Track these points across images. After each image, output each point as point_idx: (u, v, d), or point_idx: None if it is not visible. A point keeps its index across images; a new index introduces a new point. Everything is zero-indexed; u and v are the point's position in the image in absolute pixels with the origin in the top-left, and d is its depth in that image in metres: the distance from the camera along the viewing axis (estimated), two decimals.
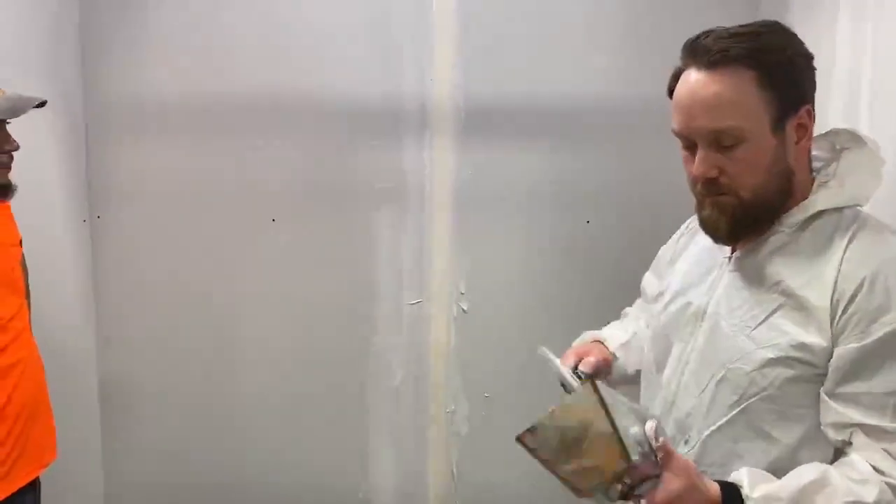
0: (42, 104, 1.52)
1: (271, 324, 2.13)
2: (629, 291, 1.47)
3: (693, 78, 1.01)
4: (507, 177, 2.06)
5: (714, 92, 0.99)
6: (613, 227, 2.06)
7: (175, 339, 2.13)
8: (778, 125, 1.00)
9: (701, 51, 1.00)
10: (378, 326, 2.12)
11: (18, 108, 1.49)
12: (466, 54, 2.02)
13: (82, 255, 2.09)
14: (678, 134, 1.05)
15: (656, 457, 0.93)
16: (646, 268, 1.38)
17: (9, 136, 1.50)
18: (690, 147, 1.04)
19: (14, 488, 1.47)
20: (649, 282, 1.37)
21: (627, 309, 1.49)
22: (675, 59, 1.06)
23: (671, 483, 0.93)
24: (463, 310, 2.11)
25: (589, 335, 1.40)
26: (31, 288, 1.69)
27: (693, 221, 1.27)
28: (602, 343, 1.35)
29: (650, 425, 0.94)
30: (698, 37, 1.02)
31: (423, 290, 2.11)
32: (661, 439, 0.94)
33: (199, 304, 2.12)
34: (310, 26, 2.03)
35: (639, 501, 0.95)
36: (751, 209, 1.02)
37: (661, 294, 1.24)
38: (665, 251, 1.33)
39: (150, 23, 2.05)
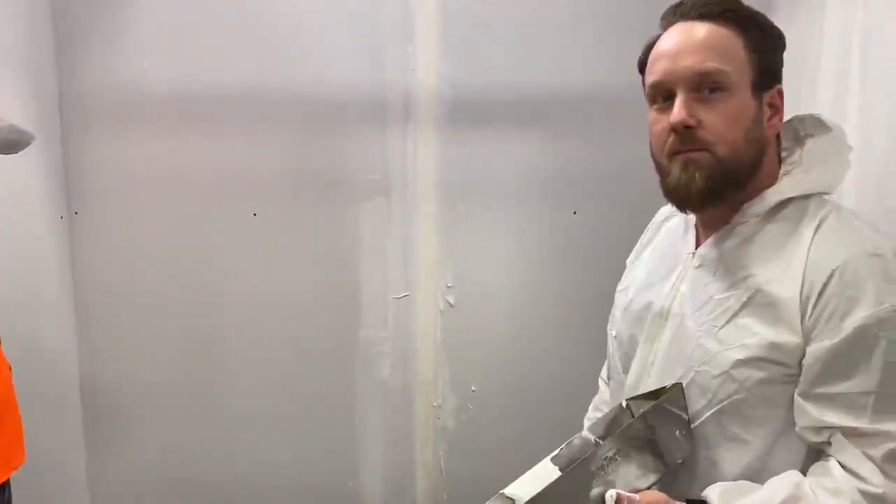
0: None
1: (256, 320, 2.10)
2: (616, 282, 1.43)
3: (679, 28, 1.00)
4: (493, 168, 2.03)
5: (704, 35, 0.98)
6: (601, 218, 2.04)
7: (157, 336, 2.10)
8: (756, 90, 0.98)
9: (686, 7, 1.00)
10: (364, 321, 2.10)
11: (21, 143, 1.46)
12: (450, 44, 1.98)
13: (60, 253, 2.04)
14: (657, 84, 1.01)
15: None
16: None
17: None
18: (668, 99, 1.00)
19: None
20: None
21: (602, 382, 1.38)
22: None
23: None
24: (450, 303, 2.09)
25: None
26: (6, 287, 1.65)
27: (655, 219, 1.25)
28: None
29: (611, 494, 0.93)
30: (677, 4, 1.02)
31: (410, 283, 2.09)
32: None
33: (182, 301, 2.09)
34: (292, 16, 1.98)
35: None
36: (728, 170, 0.97)
37: (625, 289, 1.21)
38: (629, 261, 1.29)
39: (128, 11, 1.99)
